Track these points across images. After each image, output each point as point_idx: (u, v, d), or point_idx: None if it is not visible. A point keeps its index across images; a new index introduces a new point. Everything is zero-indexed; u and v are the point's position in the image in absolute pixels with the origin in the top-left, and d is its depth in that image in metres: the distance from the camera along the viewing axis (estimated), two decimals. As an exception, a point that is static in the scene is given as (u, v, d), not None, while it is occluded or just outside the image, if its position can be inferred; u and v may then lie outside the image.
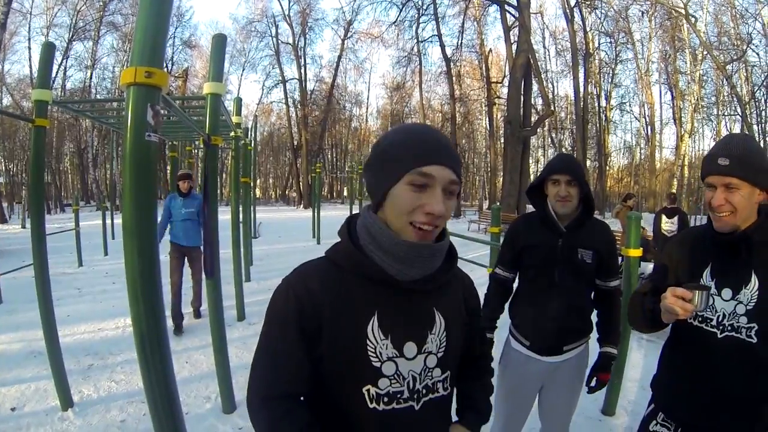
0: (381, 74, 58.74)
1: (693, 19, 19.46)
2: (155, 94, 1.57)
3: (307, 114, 32.32)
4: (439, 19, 27.93)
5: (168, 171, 11.52)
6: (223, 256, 3.33)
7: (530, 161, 23.21)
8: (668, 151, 29.37)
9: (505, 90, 23.04)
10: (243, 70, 34.86)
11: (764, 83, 20.59)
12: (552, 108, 20.49)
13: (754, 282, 1.24)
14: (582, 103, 22.95)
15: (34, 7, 24.34)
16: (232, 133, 5.74)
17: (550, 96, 26.28)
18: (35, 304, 2.93)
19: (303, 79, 32.52)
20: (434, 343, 0.92)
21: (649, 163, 29.45)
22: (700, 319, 1.31)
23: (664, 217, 7.21)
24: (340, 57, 33.88)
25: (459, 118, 30.88)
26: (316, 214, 12.47)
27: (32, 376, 3.53)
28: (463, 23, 28.49)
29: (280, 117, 39.22)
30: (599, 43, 27.36)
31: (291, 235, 13.67)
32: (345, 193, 35.88)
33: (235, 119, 5.81)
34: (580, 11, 23.34)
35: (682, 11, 18.73)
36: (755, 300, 1.24)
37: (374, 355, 0.87)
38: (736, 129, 22.57)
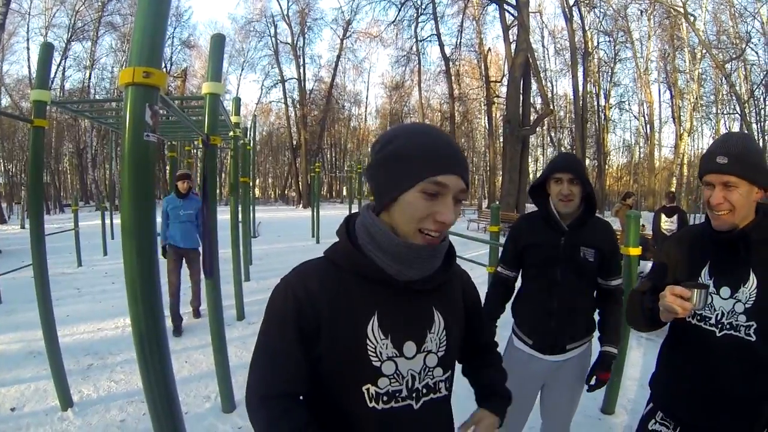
0: (380, 74, 58.62)
1: (692, 18, 19.46)
2: (154, 94, 1.57)
3: (306, 113, 32.30)
4: (438, 19, 28.00)
5: (167, 171, 11.53)
6: (222, 255, 3.33)
7: (529, 160, 23.20)
8: (667, 150, 29.46)
9: (504, 89, 23.03)
10: (242, 70, 34.94)
11: (763, 82, 20.60)
12: (551, 107, 20.50)
13: (753, 280, 1.25)
14: (581, 102, 22.96)
15: (33, 7, 24.37)
16: (231, 133, 5.73)
17: (549, 95, 26.30)
18: (35, 305, 2.93)
19: (302, 78, 32.53)
20: (434, 342, 0.92)
21: (648, 161, 29.48)
22: (698, 317, 1.32)
23: (663, 216, 7.21)
24: (339, 56, 33.90)
25: (458, 118, 30.97)
26: (315, 213, 12.46)
27: (32, 376, 3.53)
28: (462, 22, 28.56)
29: (279, 117, 39.26)
30: (598, 42, 27.38)
31: (290, 235, 13.66)
32: (344, 193, 35.88)
33: (234, 119, 5.80)
34: (579, 10, 23.36)
35: (681, 10, 18.74)
36: (754, 298, 1.24)
37: (374, 355, 0.87)
38: (735, 128, 22.62)
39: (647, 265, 5.64)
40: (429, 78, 33.75)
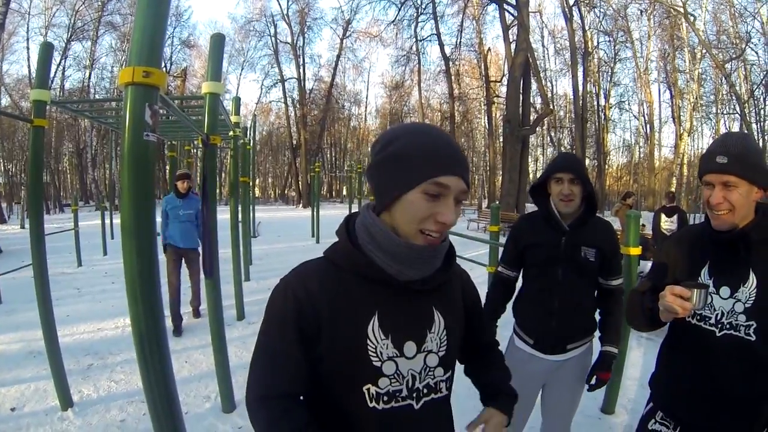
0: (380, 73, 58.73)
1: (692, 18, 19.47)
2: (153, 93, 1.57)
3: (306, 113, 32.31)
4: (438, 18, 27.99)
5: (167, 171, 11.53)
6: (222, 255, 3.33)
7: (529, 160, 23.21)
8: (667, 150, 29.49)
9: (504, 89, 23.03)
10: (242, 70, 34.96)
11: (763, 82, 20.60)
12: (551, 107, 20.50)
13: (752, 280, 1.25)
14: (581, 102, 22.95)
15: (33, 7, 24.37)
16: (231, 133, 5.74)
17: (549, 95, 26.31)
18: (34, 304, 2.93)
19: (302, 78, 32.55)
20: (434, 342, 0.93)
21: (648, 161, 29.50)
22: (698, 317, 1.31)
23: (663, 216, 7.21)
24: (338, 56, 33.92)
25: (458, 117, 30.97)
26: (315, 213, 12.46)
27: (32, 376, 3.53)
28: (461, 22, 28.56)
29: (279, 116, 39.28)
30: (598, 42, 27.39)
31: (290, 235, 13.67)
32: (344, 192, 35.89)
33: (233, 119, 5.80)
34: (579, 10, 23.36)
35: (681, 10, 18.75)
36: (753, 298, 1.24)
37: (375, 355, 0.87)
38: (735, 127, 22.62)
39: (647, 265, 5.64)
40: (429, 78, 33.81)
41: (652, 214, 7.91)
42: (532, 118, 18.88)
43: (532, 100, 21.26)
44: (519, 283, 2.10)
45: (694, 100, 24.52)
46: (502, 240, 5.24)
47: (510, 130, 16.61)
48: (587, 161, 26.98)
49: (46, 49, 3.02)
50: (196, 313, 5.10)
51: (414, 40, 30.28)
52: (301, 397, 0.91)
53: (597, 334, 2.00)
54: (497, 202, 10.90)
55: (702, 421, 1.30)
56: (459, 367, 1.10)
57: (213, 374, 3.18)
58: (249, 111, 32.09)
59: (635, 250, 3.09)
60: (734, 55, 20.30)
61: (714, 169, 1.24)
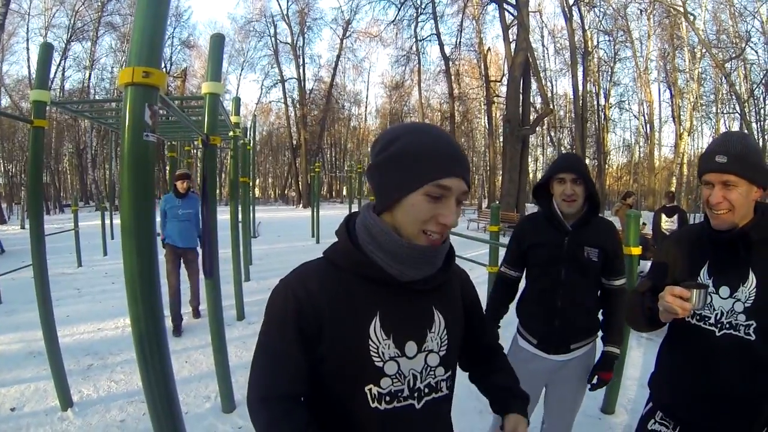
0: (380, 73, 58.69)
1: (692, 17, 19.46)
2: (153, 93, 1.57)
3: (306, 113, 32.32)
4: (438, 18, 27.96)
5: (167, 171, 11.53)
6: (222, 255, 3.33)
7: (529, 160, 23.23)
8: (667, 150, 29.44)
9: (503, 89, 23.02)
10: (242, 70, 34.94)
11: (763, 81, 20.58)
12: (551, 106, 20.49)
13: (752, 279, 1.25)
14: (581, 102, 22.92)
15: (33, 7, 24.35)
16: (231, 133, 5.73)
17: (549, 94, 26.29)
18: (35, 305, 2.93)
19: (302, 78, 32.57)
20: (435, 341, 0.93)
21: (648, 161, 29.47)
22: (698, 317, 1.31)
23: (663, 216, 7.21)
24: (338, 56, 33.92)
25: (458, 117, 30.95)
26: (315, 213, 12.46)
27: (32, 376, 3.53)
28: (461, 22, 28.53)
29: (279, 116, 39.28)
30: (598, 42, 27.35)
31: (290, 235, 13.67)
32: (344, 193, 35.88)
33: (233, 119, 5.80)
34: (579, 9, 23.34)
35: (681, 9, 18.74)
36: (753, 297, 1.24)
37: (376, 355, 0.87)
38: (735, 127, 22.62)
39: (647, 265, 5.64)
40: (429, 77, 33.78)
41: (652, 213, 7.91)
42: (532, 117, 18.88)
43: (532, 100, 21.27)
44: (522, 284, 2.10)
45: (694, 100, 24.50)
46: (503, 240, 5.24)
47: (510, 129, 16.61)
48: (587, 161, 26.96)
49: (46, 50, 3.02)
50: (196, 313, 5.10)
51: (414, 40, 30.28)
52: (302, 398, 0.91)
53: (600, 334, 2.01)
54: (497, 202, 10.90)
55: (702, 420, 1.30)
56: (461, 373, 1.09)
57: (213, 374, 3.18)
58: (249, 111, 32.13)
59: (636, 250, 3.10)
60: (734, 55, 20.29)
61: (714, 168, 1.24)
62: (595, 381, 1.97)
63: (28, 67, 24.41)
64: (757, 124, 21.30)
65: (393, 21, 29.36)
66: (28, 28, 24.70)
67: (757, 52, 20.73)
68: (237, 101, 6.25)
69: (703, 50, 21.55)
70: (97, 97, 24.35)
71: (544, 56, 29.90)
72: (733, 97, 21.13)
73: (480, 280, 4.18)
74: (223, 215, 4.03)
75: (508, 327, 2.11)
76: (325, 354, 0.86)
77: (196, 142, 10.30)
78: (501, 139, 24.62)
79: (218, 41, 3.10)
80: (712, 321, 1.29)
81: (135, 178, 1.53)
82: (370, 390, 0.87)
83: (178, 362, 3.70)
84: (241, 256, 5.54)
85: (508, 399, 1.06)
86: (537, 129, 21.95)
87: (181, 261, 4.92)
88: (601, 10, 25.14)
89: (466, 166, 0.87)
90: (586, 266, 1.86)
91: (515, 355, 2.02)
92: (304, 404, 0.90)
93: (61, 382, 3.02)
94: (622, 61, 28.45)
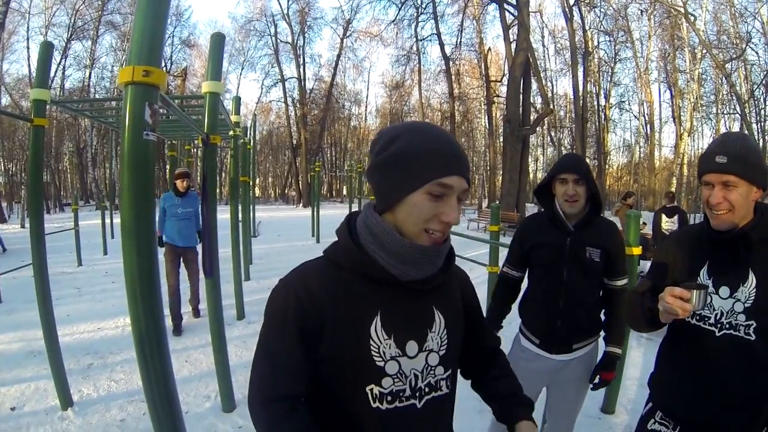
0: (380, 73, 58.79)
1: (692, 18, 19.46)
2: (153, 92, 1.57)
3: (306, 113, 32.31)
4: (438, 18, 27.97)
5: (167, 170, 11.54)
6: (222, 255, 3.33)
7: (529, 160, 23.21)
8: (667, 150, 29.41)
9: (504, 89, 23.01)
10: (242, 69, 34.89)
11: (763, 82, 20.58)
12: (551, 107, 20.49)
13: (752, 280, 1.25)
14: (581, 102, 22.92)
15: (33, 6, 24.33)
16: (231, 132, 5.73)
17: (550, 95, 26.29)
18: (35, 304, 2.93)
19: (302, 78, 32.55)
20: (435, 341, 0.93)
21: (649, 161, 29.46)
22: (697, 317, 1.31)
23: (664, 216, 7.20)
24: (339, 56, 33.90)
25: (458, 117, 30.96)
26: (315, 212, 12.46)
27: (32, 375, 3.53)
28: (462, 22, 28.53)
29: (279, 116, 39.26)
30: (598, 42, 27.34)
31: (290, 234, 13.66)
32: (344, 192, 35.88)
33: (234, 118, 5.80)
34: (579, 10, 23.32)
35: (682, 10, 18.74)
36: (753, 297, 1.24)
37: (378, 355, 0.86)
38: (736, 127, 22.61)
39: (647, 265, 5.64)
40: (429, 77, 33.76)
41: (653, 214, 7.91)
42: (532, 117, 18.87)
43: (532, 100, 21.25)
44: (524, 284, 2.11)
45: (694, 100, 24.49)
46: (503, 240, 5.24)
47: (510, 129, 16.60)
48: (587, 161, 26.93)
49: (46, 49, 3.02)
50: (196, 313, 5.09)
51: (414, 39, 30.29)
52: (304, 399, 0.90)
53: (602, 334, 2.01)
54: (497, 202, 10.89)
55: (701, 420, 1.30)
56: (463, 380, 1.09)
57: (213, 373, 3.18)
58: (249, 110, 32.10)
59: (636, 250, 3.10)
60: (734, 55, 20.28)
61: (713, 168, 1.24)
62: (597, 381, 1.97)
63: (29, 65, 24.42)
64: (757, 124, 21.31)
65: (393, 20, 29.41)
66: (28, 27, 24.71)
67: (757, 52, 20.74)
68: (237, 100, 6.25)
69: (704, 51, 21.54)
70: (97, 96, 24.33)
71: (544, 56, 29.90)
72: (734, 97, 21.13)
73: (480, 280, 4.18)
74: (223, 214, 4.03)
75: (510, 326, 2.12)
76: (325, 354, 0.86)
77: (196, 141, 10.31)
78: (501, 139, 24.60)
79: (218, 40, 3.10)
80: (711, 321, 1.29)
81: (135, 177, 1.53)
82: (371, 390, 0.86)
83: (178, 361, 3.70)
84: (241, 256, 5.54)
85: (514, 406, 1.03)
86: (537, 129, 21.95)
87: (181, 260, 4.91)
88: (602, 10, 25.15)
89: (466, 164, 0.87)
90: (588, 266, 1.87)
91: (517, 354, 2.04)
92: (306, 405, 0.90)
93: (61, 382, 3.02)
94: (622, 62, 28.46)
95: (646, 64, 27.38)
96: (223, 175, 30.34)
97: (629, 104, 30.25)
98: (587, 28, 25.16)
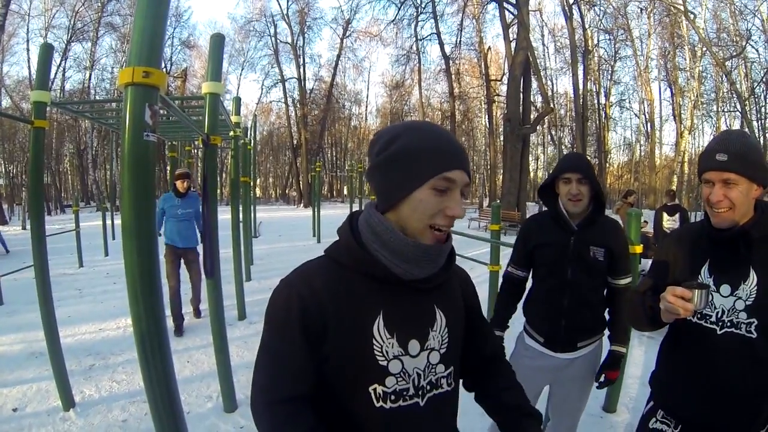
0: (380, 73, 58.83)
1: (692, 16, 19.43)
2: (153, 93, 1.57)
3: (306, 113, 32.32)
4: (438, 17, 28.01)
5: (168, 171, 11.55)
6: (223, 255, 3.33)
7: (530, 159, 23.21)
8: (668, 148, 29.39)
9: (504, 87, 23.02)
10: (242, 70, 34.93)
11: (763, 79, 20.56)
12: (551, 105, 20.45)
13: (753, 277, 1.24)
14: (581, 100, 22.95)
15: (33, 8, 24.36)
16: (232, 133, 5.73)
17: (550, 93, 26.27)
18: (36, 305, 2.93)
19: (302, 78, 32.55)
20: (436, 339, 0.93)
21: (649, 159, 29.45)
22: (699, 316, 1.31)
23: (665, 215, 7.20)
24: (339, 56, 33.90)
25: (458, 116, 30.99)
26: (316, 213, 12.47)
27: (34, 376, 3.54)
28: (461, 21, 28.58)
29: (280, 116, 39.23)
30: (598, 40, 27.37)
31: (291, 234, 13.67)
32: (345, 192, 35.88)
33: (234, 119, 5.80)
34: (579, 8, 23.34)
35: (681, 8, 18.71)
36: (754, 295, 1.24)
37: (381, 354, 0.86)
38: (736, 125, 22.61)
39: (648, 264, 5.64)
40: (429, 77, 33.79)
41: (653, 212, 7.90)
42: (532, 116, 18.85)
43: (532, 99, 21.22)
44: (529, 283, 2.11)
45: (694, 98, 24.48)
46: (503, 239, 5.24)
47: (510, 128, 16.59)
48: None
49: (46, 51, 3.02)
50: (197, 313, 5.10)
51: (414, 39, 30.34)
52: (307, 400, 0.89)
53: (606, 332, 2.02)
54: (498, 201, 10.89)
55: (703, 419, 1.30)
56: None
57: (215, 374, 3.18)
58: (249, 111, 32.09)
59: (637, 249, 3.10)
60: (735, 53, 20.28)
61: (714, 166, 1.24)
62: (602, 379, 1.98)
63: (29, 67, 24.45)
64: (757, 122, 21.31)
65: (393, 20, 29.45)
66: (28, 29, 24.74)
67: (757, 50, 20.77)
68: (237, 101, 6.25)
69: (704, 48, 21.51)
70: (97, 98, 24.36)
71: (544, 55, 29.90)
72: (734, 95, 21.12)
73: (481, 279, 4.18)
74: (224, 215, 4.03)
75: (513, 325, 2.12)
76: (329, 353, 0.85)
77: (196, 142, 10.31)
78: (501, 138, 24.58)
79: (218, 41, 3.11)
80: (713, 319, 1.29)
81: (135, 178, 1.53)
82: (374, 390, 0.86)
83: (179, 362, 3.71)
84: (242, 256, 5.54)
85: (520, 419, 1.00)
86: (537, 128, 21.93)
87: (181, 261, 4.90)
88: (602, 8, 25.16)
89: (467, 158, 0.89)
90: (592, 266, 1.87)
91: (520, 353, 2.05)
92: (310, 407, 0.88)
93: (63, 383, 3.02)
94: (622, 60, 28.49)
95: (646, 63, 27.39)
96: (224, 175, 30.33)
97: (629, 102, 30.31)
98: (587, 26, 25.18)
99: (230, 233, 4.96)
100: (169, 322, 4.29)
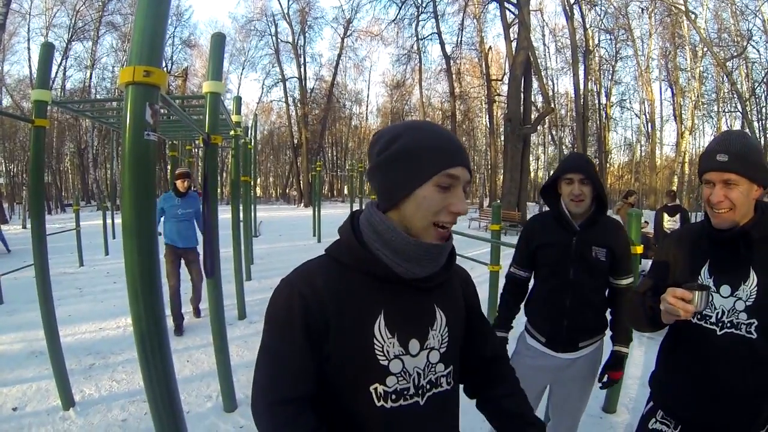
0: (381, 72, 58.89)
1: (693, 16, 19.41)
2: (154, 93, 1.57)
3: (307, 112, 32.33)
4: (439, 17, 27.98)
5: (168, 170, 11.55)
6: (223, 255, 3.33)
7: (530, 159, 23.20)
8: (669, 148, 29.36)
9: (505, 87, 23.04)
10: (243, 69, 34.94)
11: (764, 80, 20.55)
12: (552, 105, 20.43)
13: (753, 278, 1.24)
14: (582, 101, 22.93)
15: (33, 7, 24.37)
16: (232, 132, 5.73)
17: (550, 93, 26.24)
18: (36, 305, 2.93)
19: (303, 77, 32.55)
20: (436, 338, 0.93)
21: (650, 160, 29.42)
22: (699, 316, 1.31)
23: (665, 215, 7.20)
24: (339, 55, 33.88)
25: (459, 116, 30.96)
26: (316, 212, 12.47)
27: (33, 376, 3.54)
28: (462, 21, 28.51)
29: (280, 116, 39.27)
30: (599, 40, 27.32)
31: (292, 234, 13.67)
32: (346, 192, 35.89)
33: (234, 118, 5.81)
34: (580, 8, 23.32)
35: (682, 8, 18.68)
36: (754, 296, 1.24)
37: (381, 354, 0.86)
38: (737, 126, 22.60)
39: (649, 264, 5.63)
40: (430, 76, 33.77)
41: (654, 212, 7.90)
42: (533, 116, 18.85)
43: (533, 99, 21.23)
44: (531, 283, 2.11)
45: (695, 99, 24.46)
46: (504, 239, 5.24)
47: (511, 128, 16.59)
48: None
49: (47, 50, 3.02)
50: (197, 313, 5.10)
51: (415, 38, 30.32)
52: (309, 400, 0.88)
53: (608, 333, 2.02)
54: (498, 201, 10.89)
55: (703, 419, 1.30)
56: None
57: (214, 373, 3.19)
58: (250, 110, 32.13)
59: (638, 249, 3.10)
60: (735, 53, 20.27)
61: (714, 167, 1.24)
62: (605, 380, 1.98)
63: (29, 66, 24.45)
64: (758, 122, 21.27)
65: (394, 20, 29.45)
66: (29, 28, 24.74)
67: (758, 50, 20.76)
68: (238, 100, 6.26)
69: (705, 49, 21.49)
70: (98, 97, 24.36)
71: (545, 55, 29.86)
72: (735, 95, 21.09)
73: (481, 279, 4.18)
74: (225, 214, 4.03)
75: (517, 325, 2.12)
76: (330, 352, 0.85)
77: (197, 141, 10.31)
78: (502, 138, 24.55)
79: (219, 40, 3.11)
80: (713, 320, 1.29)
81: (136, 177, 1.53)
82: (375, 389, 0.86)
83: (179, 361, 3.71)
84: (242, 256, 5.54)
85: (523, 428, 0.98)
86: (538, 128, 21.92)
87: (182, 261, 4.89)
88: (602, 8, 25.14)
89: (467, 156, 0.90)
90: (594, 266, 1.87)
91: (522, 352, 2.05)
92: (311, 407, 0.87)
93: (63, 382, 3.03)
94: (623, 60, 28.44)
95: (647, 63, 27.35)
96: (224, 174, 30.33)
97: (630, 102, 30.25)
98: (588, 26, 25.14)
99: (230, 232, 4.96)
100: (169, 322, 4.30)
